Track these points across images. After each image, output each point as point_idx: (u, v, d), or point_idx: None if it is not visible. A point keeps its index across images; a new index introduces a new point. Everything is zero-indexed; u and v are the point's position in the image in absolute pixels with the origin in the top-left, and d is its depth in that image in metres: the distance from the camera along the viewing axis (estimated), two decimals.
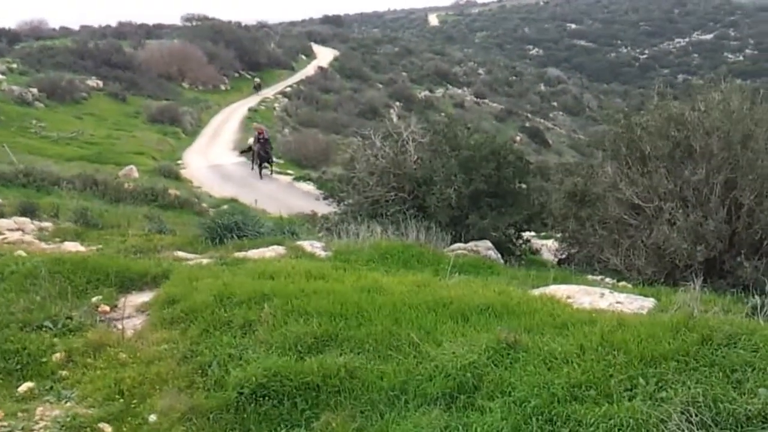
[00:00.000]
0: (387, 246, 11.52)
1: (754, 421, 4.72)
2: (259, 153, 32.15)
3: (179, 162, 34.71)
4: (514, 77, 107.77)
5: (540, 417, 5.11)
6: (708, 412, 4.81)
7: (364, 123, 50.89)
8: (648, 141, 13.08)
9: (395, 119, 56.75)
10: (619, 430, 4.82)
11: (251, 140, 33.78)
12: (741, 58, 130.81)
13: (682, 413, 4.82)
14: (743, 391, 4.99)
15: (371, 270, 9.71)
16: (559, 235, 16.43)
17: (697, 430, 4.70)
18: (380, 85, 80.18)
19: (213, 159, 36.53)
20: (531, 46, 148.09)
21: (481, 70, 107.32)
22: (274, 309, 7.22)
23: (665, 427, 4.76)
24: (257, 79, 64.93)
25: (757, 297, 7.62)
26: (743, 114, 12.54)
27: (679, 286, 9.23)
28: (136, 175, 26.01)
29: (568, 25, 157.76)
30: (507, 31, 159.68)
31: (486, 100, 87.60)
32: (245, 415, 5.68)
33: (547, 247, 17.50)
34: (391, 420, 5.49)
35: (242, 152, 35.12)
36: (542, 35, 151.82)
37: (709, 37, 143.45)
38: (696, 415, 4.78)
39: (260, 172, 32.52)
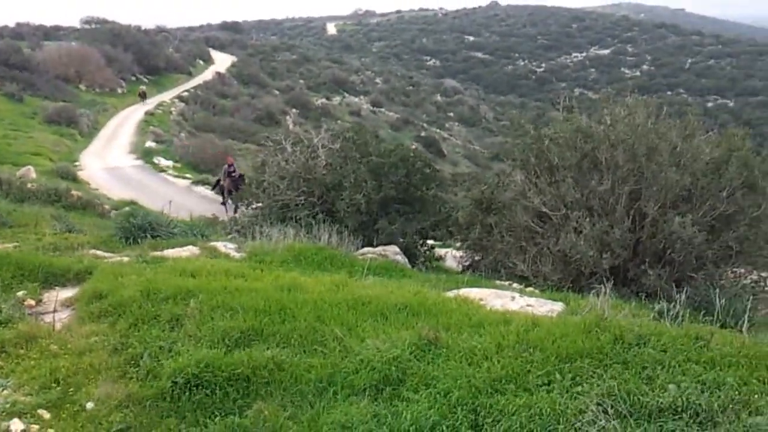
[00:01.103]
0: (300, 248, 11.74)
1: (666, 414, 5.15)
2: (230, 190, 27.31)
3: (76, 163, 33.86)
4: (411, 87, 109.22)
5: (464, 407, 5.47)
6: (623, 404, 5.23)
7: (261, 129, 50.81)
8: (556, 152, 13.51)
9: (291, 126, 56.82)
10: (539, 418, 5.20)
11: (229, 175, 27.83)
12: (638, 73, 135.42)
13: (599, 405, 5.23)
14: (654, 387, 5.45)
15: (287, 270, 9.94)
16: (459, 244, 16.89)
17: (613, 420, 5.10)
18: (277, 92, 79.97)
19: (110, 161, 35.82)
20: (428, 57, 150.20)
21: (378, 80, 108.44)
22: (200, 304, 7.42)
23: (583, 417, 5.15)
24: (143, 87, 62.32)
25: (663, 302, 8.16)
26: (648, 128, 13.14)
27: (585, 292, 9.73)
28: (33, 175, 25.22)
29: (466, 37, 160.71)
30: (405, 42, 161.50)
31: (383, 109, 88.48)
32: (180, 404, 5.87)
33: (451, 254, 17.94)
34: (321, 409, 5.74)
35: (213, 188, 30.05)
36: (440, 47, 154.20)
37: (606, 52, 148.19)
38: (612, 407, 5.20)
39: (236, 210, 26.56)
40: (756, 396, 5.30)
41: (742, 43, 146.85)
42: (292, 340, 6.80)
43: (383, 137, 45.08)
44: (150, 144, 41.31)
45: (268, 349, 6.54)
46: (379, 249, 13.58)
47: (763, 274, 13.27)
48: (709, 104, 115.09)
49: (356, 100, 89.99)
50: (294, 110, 72.36)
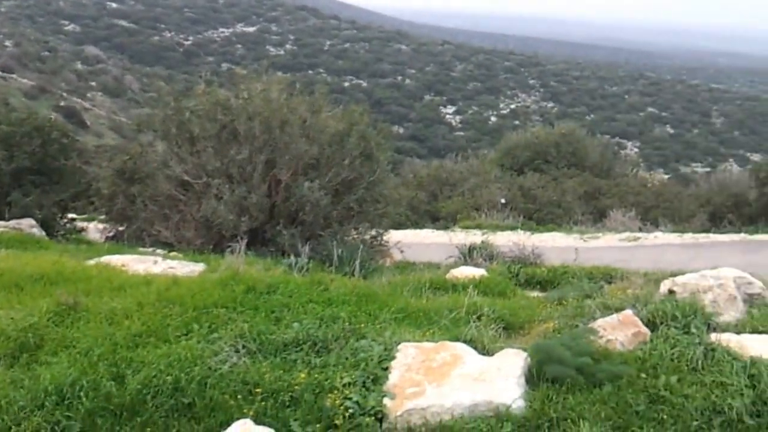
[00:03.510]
0: None
1: (290, 347, 6.06)
2: None
3: None
4: (47, 53, 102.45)
5: (105, 362, 5.74)
6: (253, 343, 6.04)
7: None
8: (197, 123, 14.13)
9: None
10: (178, 363, 5.67)
11: None
12: (282, 52, 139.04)
13: (232, 346, 5.98)
14: (281, 326, 6.36)
15: None
16: (104, 216, 16.69)
17: (244, 356, 5.88)
18: None
19: None
20: (67, 22, 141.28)
21: (8, 43, 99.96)
22: None
23: (217, 357, 5.82)
24: None
25: (292, 257, 9.36)
26: (281, 102, 14.28)
27: (227, 253, 10.49)
28: None
29: (108, 3, 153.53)
30: (39, 3, 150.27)
31: (14, 75, 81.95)
32: None
33: (94, 227, 17.59)
34: None
35: None
36: (79, 11, 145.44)
37: (252, 29, 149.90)
38: (243, 347, 5.99)
39: None
40: (362, 325, 6.43)
41: (373, 30, 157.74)
42: None
43: (16, 106, 42.12)
44: None
45: None
46: (13, 222, 13.13)
47: (380, 231, 15.17)
48: (346, 84, 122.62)
49: None
50: None
